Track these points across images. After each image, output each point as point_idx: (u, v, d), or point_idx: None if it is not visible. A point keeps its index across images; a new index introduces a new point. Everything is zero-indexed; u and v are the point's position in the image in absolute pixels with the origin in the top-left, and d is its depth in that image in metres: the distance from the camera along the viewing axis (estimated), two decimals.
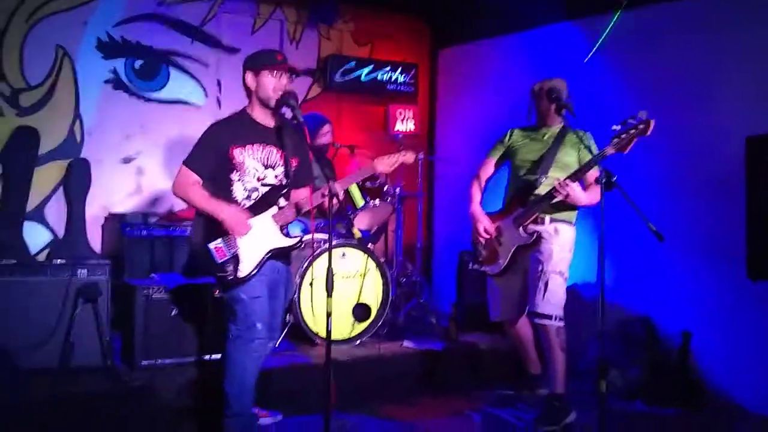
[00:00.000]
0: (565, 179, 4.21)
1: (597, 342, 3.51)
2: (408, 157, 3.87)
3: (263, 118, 3.78)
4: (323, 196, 3.65)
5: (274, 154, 3.78)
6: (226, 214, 3.61)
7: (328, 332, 3.30)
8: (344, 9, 7.01)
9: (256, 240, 3.70)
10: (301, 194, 3.83)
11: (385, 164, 3.85)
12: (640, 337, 5.02)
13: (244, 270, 3.67)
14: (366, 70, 7.04)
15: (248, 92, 3.79)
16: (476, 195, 4.72)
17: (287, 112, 3.79)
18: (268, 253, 3.74)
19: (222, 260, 3.64)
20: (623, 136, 3.92)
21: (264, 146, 3.75)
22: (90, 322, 4.24)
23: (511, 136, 4.65)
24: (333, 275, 3.30)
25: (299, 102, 6.58)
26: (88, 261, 4.44)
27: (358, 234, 3.51)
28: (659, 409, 4.68)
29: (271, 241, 3.75)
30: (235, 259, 3.66)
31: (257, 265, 3.70)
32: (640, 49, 5.34)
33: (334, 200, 3.54)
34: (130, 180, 6.06)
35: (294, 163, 3.83)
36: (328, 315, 3.29)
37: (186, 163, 3.69)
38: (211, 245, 3.65)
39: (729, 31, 4.83)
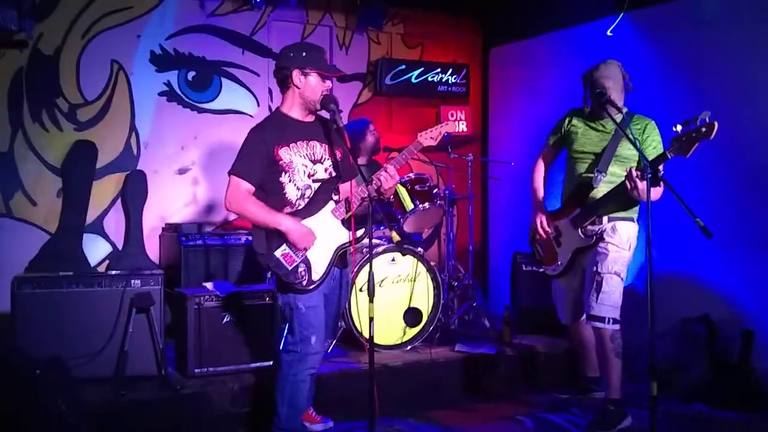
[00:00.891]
0: (635, 171, 3.95)
1: (655, 342, 3.42)
2: (450, 126, 3.86)
3: (302, 115, 3.73)
4: (363, 200, 3.64)
5: (319, 149, 3.73)
6: (289, 226, 3.57)
7: (371, 337, 3.29)
8: (393, 12, 7.00)
9: (322, 239, 3.67)
10: (346, 190, 3.79)
11: (428, 137, 3.81)
12: (700, 336, 4.87)
13: (317, 272, 3.65)
14: (416, 73, 7.02)
15: (287, 88, 3.70)
16: (538, 190, 4.60)
17: (328, 115, 3.73)
18: (337, 249, 3.71)
19: (293, 266, 3.61)
20: (684, 138, 3.74)
21: (308, 142, 3.70)
22: (144, 332, 4.30)
23: (570, 120, 4.48)
24: (374, 280, 3.29)
25: (352, 106, 6.76)
26: (142, 271, 4.52)
27: (396, 237, 3.47)
28: (719, 412, 4.54)
29: (336, 237, 3.71)
30: (306, 263, 3.63)
31: (329, 264, 3.68)
32: (685, 40, 5.22)
33: (385, 196, 3.53)
34: (185, 190, 6.18)
35: (338, 154, 3.80)
36: (370, 320, 3.28)
37: (235, 173, 3.61)
38: (277, 253, 3.61)
39: None
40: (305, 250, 3.62)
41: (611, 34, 5.64)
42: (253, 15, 6.40)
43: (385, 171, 3.66)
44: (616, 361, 4.23)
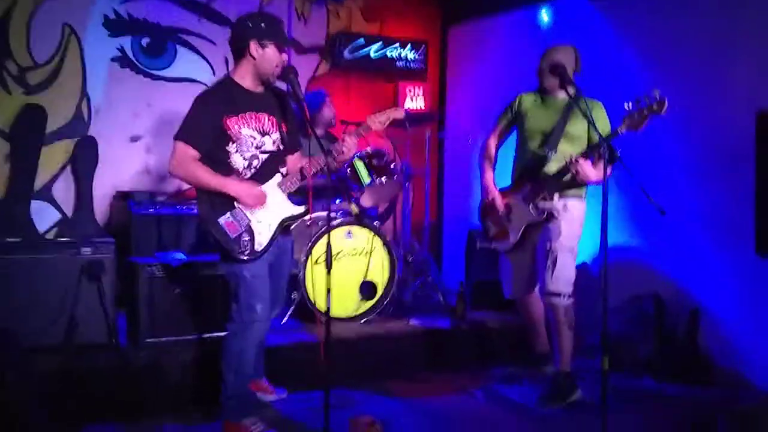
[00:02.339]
0: (576, 157, 4.11)
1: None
2: (398, 112, 3.84)
3: (253, 85, 3.67)
4: (320, 170, 3.63)
5: (266, 121, 3.69)
6: (238, 189, 3.55)
7: (328, 309, 3.28)
8: None
9: (267, 210, 3.65)
10: (294, 161, 3.79)
11: (376, 121, 3.80)
12: (649, 314, 4.97)
13: (261, 243, 3.63)
14: (375, 47, 6.98)
15: (242, 57, 3.63)
16: (488, 168, 4.64)
17: (286, 87, 3.70)
18: (281, 222, 3.69)
19: (235, 235, 3.58)
20: (635, 115, 3.82)
21: (257, 114, 3.65)
22: (95, 300, 4.23)
23: (520, 103, 4.51)
24: (332, 251, 3.28)
25: (309, 80, 6.69)
26: (93, 239, 4.43)
27: (355, 210, 3.47)
28: (667, 385, 4.65)
29: (282, 210, 3.70)
30: (249, 232, 3.60)
31: (272, 236, 3.66)
32: (652, 23, 5.25)
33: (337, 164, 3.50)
34: (138, 158, 6.05)
35: (284, 128, 3.77)
36: (328, 291, 3.26)
37: (181, 138, 3.54)
38: (221, 220, 3.58)
39: (740, 4, 4.73)
40: (246, 212, 3.59)
41: None
42: None
43: (342, 142, 3.70)
44: (569, 334, 4.30)
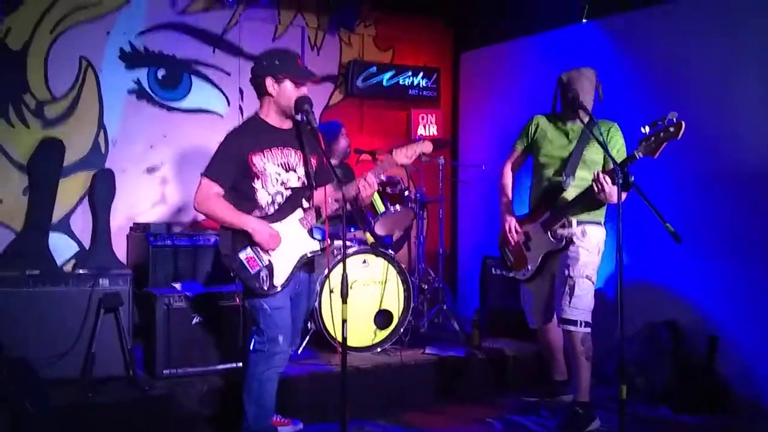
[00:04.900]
0: (603, 174, 4.01)
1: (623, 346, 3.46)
2: (425, 146, 3.81)
3: (279, 121, 3.74)
4: (336, 201, 3.66)
5: (293, 156, 3.74)
6: (255, 227, 3.59)
7: (344, 338, 3.28)
8: (365, 13, 7.00)
9: (287, 246, 3.69)
10: (321, 195, 3.79)
11: (403, 155, 3.78)
12: (666, 341, 4.92)
13: (279, 278, 3.66)
14: (387, 75, 7.03)
15: (262, 95, 3.72)
16: (504, 195, 4.62)
17: (300, 116, 3.74)
18: (301, 258, 3.73)
19: (255, 270, 3.62)
20: (653, 139, 3.79)
21: (282, 149, 3.71)
22: (112, 332, 4.26)
23: (537, 126, 4.50)
24: (348, 281, 3.28)
25: (323, 108, 6.74)
26: (110, 271, 4.46)
27: (370, 239, 3.48)
28: (685, 415, 4.59)
29: (302, 245, 3.74)
30: (269, 268, 3.64)
31: (291, 272, 3.70)
32: (661, 47, 5.27)
33: (363, 204, 3.51)
34: (154, 190, 6.10)
35: (313, 161, 3.81)
36: (343, 322, 3.27)
37: (207, 174, 3.62)
38: (242, 255, 3.62)
39: (750, 21, 4.74)
40: (270, 251, 3.63)
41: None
42: (225, 14, 6.35)
43: (365, 180, 3.70)
44: (586, 364, 4.27)
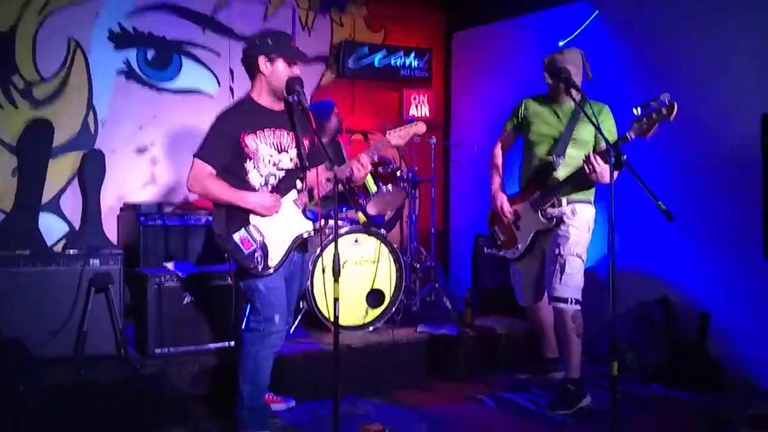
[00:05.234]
0: (593, 155, 4.03)
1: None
2: (419, 127, 3.82)
3: (271, 102, 3.72)
4: (328, 180, 3.65)
5: (286, 137, 3.73)
6: (252, 200, 3.59)
7: (336, 317, 3.28)
8: None
9: (281, 226, 3.68)
10: (314, 176, 3.78)
11: (397, 136, 3.80)
12: (657, 319, 4.95)
13: (274, 259, 3.65)
14: (379, 56, 7.00)
15: (254, 75, 3.71)
16: (495, 175, 4.63)
17: (292, 97, 3.73)
18: (295, 238, 3.72)
19: (249, 250, 3.61)
20: (644, 120, 3.77)
21: (275, 130, 3.69)
22: (103, 312, 4.25)
23: (525, 107, 4.50)
24: (340, 260, 3.27)
25: (315, 89, 6.71)
26: (101, 251, 4.45)
27: (362, 218, 3.48)
28: (676, 392, 4.62)
29: (296, 226, 3.73)
30: (263, 249, 3.63)
31: (286, 252, 3.69)
32: (653, 27, 5.26)
33: (356, 185, 3.50)
34: (144, 170, 6.07)
35: (306, 142, 3.80)
36: (335, 300, 3.27)
37: (199, 155, 3.61)
38: (236, 236, 3.62)
39: (742, 7, 4.73)
40: (261, 228, 3.63)
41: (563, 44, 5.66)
42: None
43: (358, 161, 3.70)
44: (577, 341, 4.29)
